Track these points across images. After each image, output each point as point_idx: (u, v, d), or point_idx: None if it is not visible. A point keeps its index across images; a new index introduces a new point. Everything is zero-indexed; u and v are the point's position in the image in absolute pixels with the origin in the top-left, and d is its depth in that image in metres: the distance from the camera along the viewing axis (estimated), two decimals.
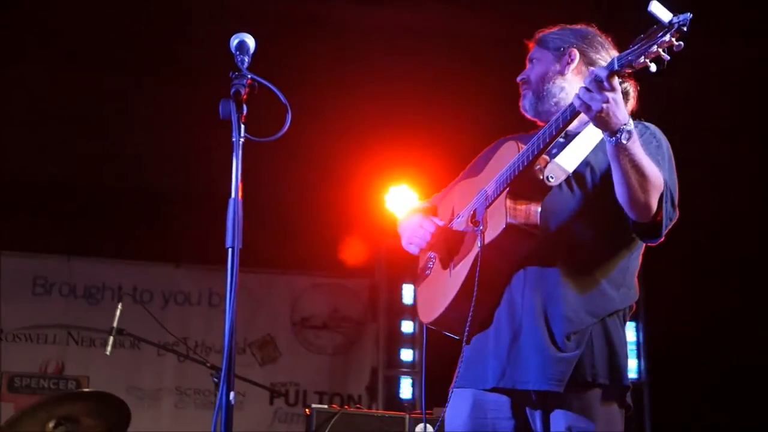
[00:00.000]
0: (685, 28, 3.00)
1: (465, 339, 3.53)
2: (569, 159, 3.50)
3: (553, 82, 3.72)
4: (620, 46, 3.57)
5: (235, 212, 3.20)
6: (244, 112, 3.22)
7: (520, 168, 3.41)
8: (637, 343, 9.34)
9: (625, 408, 3.49)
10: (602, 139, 3.41)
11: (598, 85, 3.12)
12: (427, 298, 3.89)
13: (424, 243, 3.82)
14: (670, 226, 3.46)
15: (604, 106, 3.11)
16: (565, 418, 3.38)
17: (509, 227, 3.40)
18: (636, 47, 3.09)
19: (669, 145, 3.60)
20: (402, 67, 7.81)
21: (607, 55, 3.69)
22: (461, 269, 3.60)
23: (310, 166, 8.73)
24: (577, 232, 3.52)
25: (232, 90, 3.19)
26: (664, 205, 3.36)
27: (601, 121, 3.17)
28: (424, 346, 3.92)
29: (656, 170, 3.32)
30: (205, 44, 6.84)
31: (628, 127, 3.19)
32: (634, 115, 3.64)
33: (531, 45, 3.82)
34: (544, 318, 3.45)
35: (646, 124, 3.64)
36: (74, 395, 6.65)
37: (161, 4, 7.26)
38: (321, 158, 8.61)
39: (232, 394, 3.06)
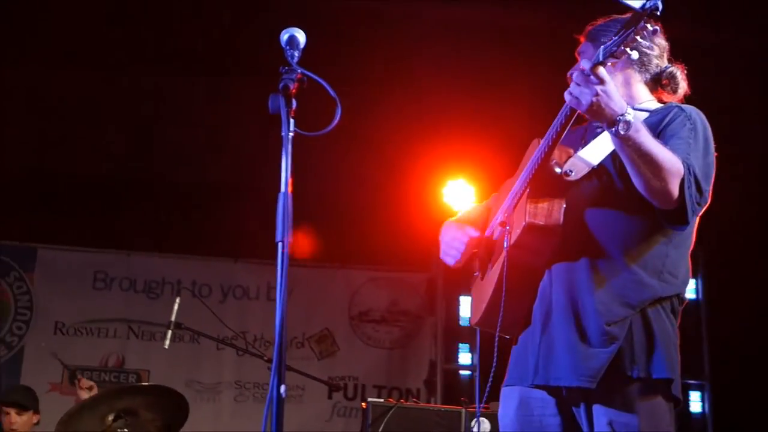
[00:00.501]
0: (657, 12, 2.97)
1: (496, 337, 3.51)
2: (594, 152, 3.49)
3: None
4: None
5: (284, 206, 3.16)
6: (294, 106, 3.19)
7: (535, 167, 3.41)
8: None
9: (673, 401, 3.42)
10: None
11: (586, 78, 3.10)
12: (474, 300, 3.90)
13: (458, 254, 3.82)
14: (700, 212, 3.43)
15: (594, 99, 3.09)
16: (606, 413, 3.34)
17: (528, 226, 3.39)
18: (616, 37, 3.07)
19: (707, 128, 3.52)
20: (461, 62, 7.80)
21: (653, 44, 3.61)
22: (495, 271, 3.59)
23: (369, 161, 8.73)
24: (603, 222, 3.47)
25: (281, 84, 3.18)
26: (686, 190, 3.28)
27: (594, 113, 3.15)
28: (477, 345, 3.92)
29: (670, 156, 3.25)
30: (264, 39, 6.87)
31: (625, 117, 3.13)
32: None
33: (581, 39, 3.77)
34: (574, 313, 3.41)
35: (683, 106, 3.57)
36: (134, 389, 6.68)
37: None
38: (380, 153, 8.61)
39: (282, 388, 3.03)
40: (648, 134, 3.22)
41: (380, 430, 6.01)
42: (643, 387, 3.35)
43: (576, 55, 3.76)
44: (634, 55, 3.10)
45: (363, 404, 6.47)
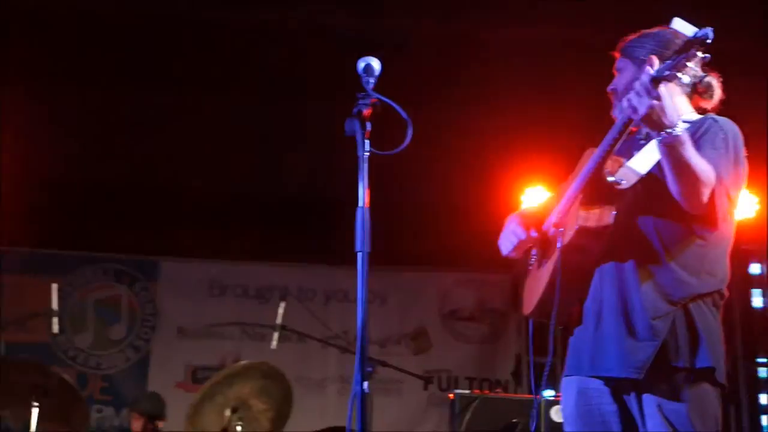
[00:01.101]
0: (708, 41, 3.01)
1: (551, 329, 3.54)
2: (642, 162, 3.48)
3: None
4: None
5: (362, 219, 3.24)
6: (368, 128, 3.28)
7: (589, 174, 3.43)
8: None
9: (719, 387, 3.42)
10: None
11: (645, 89, 3.12)
12: (527, 291, 3.89)
13: (511, 247, 3.82)
14: (731, 218, 3.52)
15: (650, 110, 3.11)
16: (655, 401, 3.35)
17: (580, 229, 3.42)
18: (671, 61, 3.09)
19: (738, 137, 3.53)
20: (538, 79, 7.78)
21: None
22: (548, 268, 3.62)
23: (456, 174, 8.74)
24: (649, 227, 3.49)
25: (355, 109, 3.27)
26: (717, 199, 3.31)
27: (649, 123, 3.17)
28: (530, 335, 3.94)
29: (706, 167, 3.27)
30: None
31: (675, 131, 3.16)
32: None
33: (616, 55, 3.77)
34: (623, 309, 3.43)
35: (716, 117, 3.57)
36: (243, 370, 6.72)
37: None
38: (466, 166, 8.62)
39: (365, 384, 3.10)
40: (691, 147, 3.24)
41: (466, 418, 6.06)
42: (688, 376, 3.37)
43: (614, 71, 3.77)
44: (685, 79, 3.16)
45: (450, 395, 6.53)
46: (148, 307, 9.79)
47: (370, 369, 6.61)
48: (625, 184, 3.44)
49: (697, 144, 3.39)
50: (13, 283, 9.58)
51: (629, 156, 3.52)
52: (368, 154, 3.28)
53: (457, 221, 9.01)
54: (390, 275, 9.81)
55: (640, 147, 3.54)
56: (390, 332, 9.66)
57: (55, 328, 7.03)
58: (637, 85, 3.17)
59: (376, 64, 3.41)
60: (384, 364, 7.26)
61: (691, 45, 3.03)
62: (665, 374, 3.37)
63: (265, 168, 9.00)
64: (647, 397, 3.39)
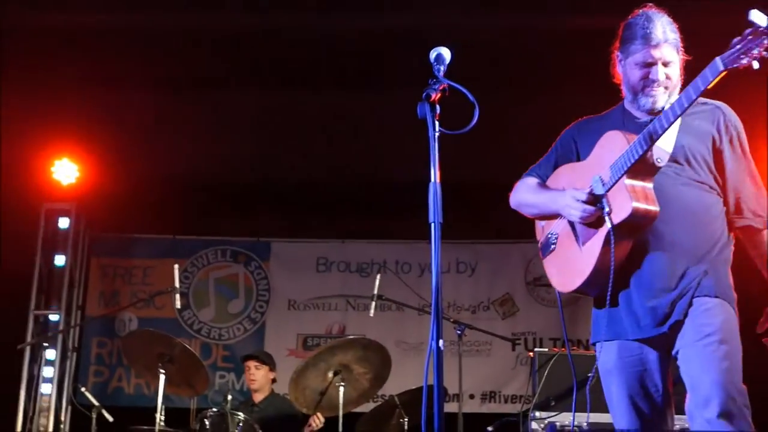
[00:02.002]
0: None
1: (609, 302, 3.44)
2: (666, 143, 3.44)
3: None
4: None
5: (434, 194, 3.19)
6: (438, 111, 3.22)
7: (638, 155, 3.34)
8: None
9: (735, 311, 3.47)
10: (685, 123, 3.41)
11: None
12: (560, 269, 3.75)
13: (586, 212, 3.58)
14: None
15: None
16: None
17: (635, 211, 3.34)
18: (738, 48, 3.02)
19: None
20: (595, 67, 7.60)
21: None
22: (593, 245, 3.49)
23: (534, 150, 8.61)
24: (682, 197, 3.47)
25: (424, 94, 3.22)
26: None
27: None
28: (560, 309, 3.85)
29: None
30: None
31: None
32: None
33: (662, 45, 3.61)
34: (667, 276, 3.43)
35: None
36: (344, 344, 6.74)
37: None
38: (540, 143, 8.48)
39: (441, 342, 3.06)
40: None
41: (545, 373, 5.98)
42: (718, 303, 3.39)
43: (658, 60, 3.64)
44: (756, 65, 3.05)
45: (530, 353, 6.46)
46: (262, 284, 9.87)
47: (459, 331, 6.64)
48: (661, 163, 3.42)
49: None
50: (144, 265, 9.80)
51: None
52: (438, 134, 3.22)
53: None
54: (478, 247, 9.79)
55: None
56: (479, 299, 9.61)
57: (178, 304, 7.13)
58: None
59: (446, 53, 3.37)
60: (472, 327, 7.23)
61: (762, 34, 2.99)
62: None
63: (362, 156, 8.98)
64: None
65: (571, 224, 3.64)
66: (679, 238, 3.45)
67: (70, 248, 9.45)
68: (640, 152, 3.34)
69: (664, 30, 3.59)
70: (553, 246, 3.77)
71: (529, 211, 3.94)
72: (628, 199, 3.35)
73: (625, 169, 3.37)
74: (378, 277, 7.23)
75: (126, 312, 9.64)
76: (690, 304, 3.39)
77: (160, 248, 9.88)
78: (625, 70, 3.68)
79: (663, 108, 3.55)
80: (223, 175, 9.06)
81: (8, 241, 8.90)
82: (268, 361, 7.61)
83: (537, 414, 5.95)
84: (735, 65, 3.04)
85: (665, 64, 3.59)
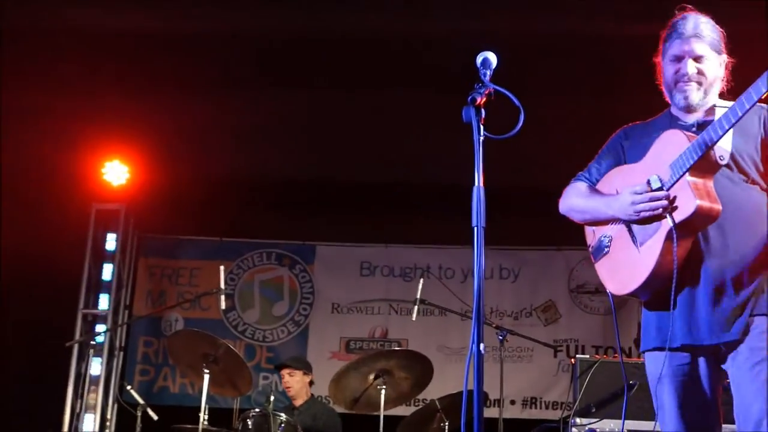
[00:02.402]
0: None
1: (672, 305, 3.32)
2: (725, 143, 3.34)
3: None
4: None
5: (478, 198, 3.14)
6: (482, 115, 3.17)
7: (701, 152, 3.25)
8: None
9: None
10: (737, 125, 3.24)
11: None
12: (615, 271, 3.63)
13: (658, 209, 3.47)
14: None
15: None
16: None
17: (699, 208, 3.24)
18: None
19: None
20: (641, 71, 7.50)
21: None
22: (653, 246, 3.39)
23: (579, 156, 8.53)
24: (735, 201, 3.34)
25: (470, 98, 3.16)
26: None
27: None
28: (614, 311, 3.74)
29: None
30: None
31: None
32: None
33: (692, 40, 3.55)
34: (721, 281, 3.32)
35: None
36: (389, 353, 6.81)
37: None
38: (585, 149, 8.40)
39: (482, 346, 3.01)
40: None
41: (587, 380, 5.91)
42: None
43: (686, 56, 3.59)
44: None
45: (572, 360, 6.40)
46: (306, 287, 9.88)
47: (501, 337, 6.58)
48: (723, 161, 3.34)
49: None
50: (191, 266, 9.85)
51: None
52: (483, 138, 3.16)
53: None
54: (522, 254, 9.73)
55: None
56: (522, 305, 9.54)
57: (223, 305, 7.14)
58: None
59: (492, 57, 3.31)
60: (514, 333, 7.16)
61: None
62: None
63: (407, 161, 8.97)
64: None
65: (628, 226, 3.54)
66: (735, 241, 3.35)
67: (118, 249, 9.53)
68: (702, 150, 3.26)
69: (696, 25, 3.53)
70: (606, 249, 3.66)
71: (580, 217, 3.81)
72: (691, 197, 3.26)
73: (688, 166, 3.29)
74: (421, 281, 7.18)
75: (172, 312, 9.68)
76: (747, 324, 3.28)
77: (207, 250, 9.92)
78: (663, 69, 3.63)
79: (697, 106, 3.52)
80: (270, 178, 9.07)
81: (59, 240, 9.00)
82: (300, 366, 7.55)
83: (577, 420, 5.89)
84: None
85: (696, 59, 3.52)
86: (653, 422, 3.58)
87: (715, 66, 3.55)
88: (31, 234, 8.70)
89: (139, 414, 6.91)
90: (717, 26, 3.59)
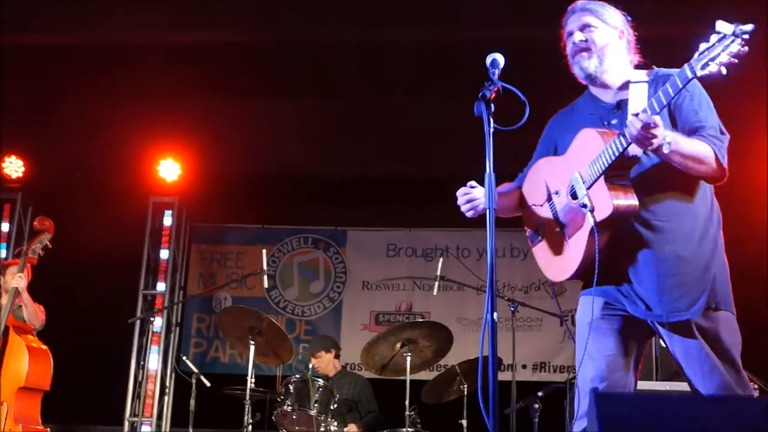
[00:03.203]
0: (747, 36, 2.77)
1: (594, 283, 3.18)
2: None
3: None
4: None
5: (490, 183, 3.12)
6: (492, 109, 3.15)
7: (614, 156, 3.14)
8: None
9: None
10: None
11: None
12: (548, 260, 3.55)
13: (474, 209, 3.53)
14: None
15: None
16: None
17: (616, 208, 3.14)
18: (706, 55, 2.83)
19: (701, 87, 3.27)
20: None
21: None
22: (579, 239, 3.28)
23: None
24: (654, 186, 3.24)
25: (480, 94, 3.15)
26: (718, 152, 3.14)
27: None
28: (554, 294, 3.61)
29: (699, 145, 3.11)
30: None
31: (668, 140, 2.99)
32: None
33: (577, 12, 3.48)
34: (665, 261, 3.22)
35: (666, 71, 3.31)
36: (413, 324, 6.78)
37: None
38: None
39: (495, 314, 3.01)
40: (683, 144, 3.07)
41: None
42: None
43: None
44: (724, 70, 2.84)
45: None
46: (339, 267, 9.87)
47: (513, 308, 6.55)
48: (636, 156, 3.22)
49: (681, 109, 3.24)
50: (237, 251, 9.88)
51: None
52: (493, 130, 3.14)
53: None
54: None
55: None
56: (531, 280, 9.46)
57: (266, 284, 7.14)
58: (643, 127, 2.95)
59: (500, 58, 3.27)
60: (524, 304, 7.14)
61: (732, 40, 2.81)
62: None
63: (427, 155, 8.95)
64: None
65: (555, 217, 3.45)
66: (668, 225, 3.24)
67: (173, 236, 9.59)
68: (617, 154, 3.13)
69: (584, 3, 3.46)
70: (540, 237, 3.60)
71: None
72: (608, 198, 3.15)
73: (604, 168, 3.17)
74: (441, 260, 7.17)
75: (221, 291, 9.72)
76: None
77: (251, 236, 9.94)
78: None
79: (595, 74, 3.39)
80: (306, 172, 9.11)
81: (121, 230, 9.06)
82: (323, 346, 7.41)
83: None
84: (704, 72, 2.85)
85: (582, 28, 3.41)
86: (652, 382, 3.54)
87: (606, 34, 3.40)
88: (97, 225, 8.76)
89: (194, 381, 6.96)
90: (613, 6, 3.48)
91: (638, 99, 3.21)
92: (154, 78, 7.68)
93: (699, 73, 2.87)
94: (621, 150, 3.12)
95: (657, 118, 2.96)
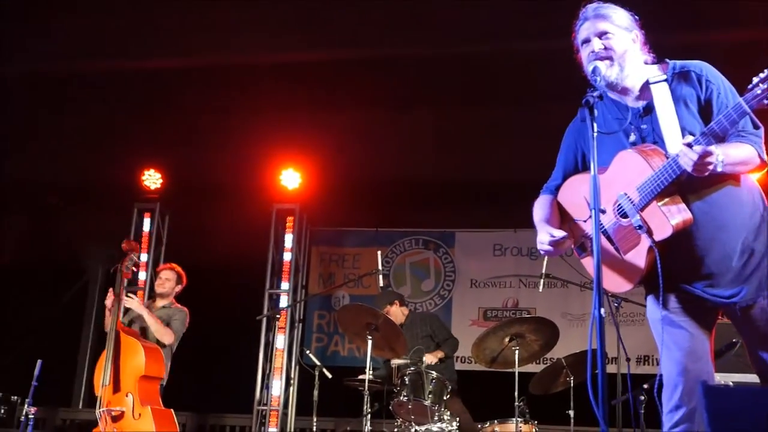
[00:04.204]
0: None
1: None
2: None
3: None
4: None
5: (594, 185, 3.04)
6: (596, 114, 3.07)
7: (666, 183, 3.03)
8: None
9: None
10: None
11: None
12: (604, 273, 3.26)
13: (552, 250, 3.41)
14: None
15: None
16: None
17: (675, 228, 3.03)
18: (762, 91, 2.77)
19: (721, 77, 3.15)
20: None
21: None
22: (637, 255, 3.19)
23: None
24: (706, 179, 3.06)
25: (583, 100, 3.06)
26: (758, 149, 3.06)
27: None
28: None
29: (743, 150, 3.02)
30: None
31: (720, 158, 2.91)
32: None
33: (590, 19, 3.32)
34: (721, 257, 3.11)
35: (699, 74, 3.16)
36: (521, 319, 6.70)
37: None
38: None
39: (602, 310, 2.94)
40: (730, 154, 2.97)
41: None
42: None
43: None
44: None
45: None
46: (448, 266, 9.86)
47: (617, 304, 6.38)
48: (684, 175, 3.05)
49: (711, 103, 3.12)
50: (353, 252, 9.98)
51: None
52: (597, 134, 3.06)
53: None
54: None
55: None
56: None
57: (381, 283, 7.17)
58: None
59: (602, 66, 3.24)
60: (627, 300, 6.95)
61: None
62: None
63: (531, 159, 8.81)
64: None
65: (605, 234, 3.30)
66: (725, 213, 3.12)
67: (295, 240, 9.72)
68: (670, 180, 3.02)
69: (596, 8, 3.28)
70: (587, 252, 3.49)
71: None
72: (665, 221, 3.04)
73: (656, 193, 3.07)
74: (545, 259, 7.02)
75: (340, 290, 9.83)
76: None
77: (366, 239, 10.03)
78: (582, 60, 3.34)
79: (617, 81, 3.23)
80: (416, 178, 9.13)
81: (248, 235, 9.27)
82: (387, 301, 7.38)
83: None
84: (757, 106, 2.80)
85: (601, 36, 3.24)
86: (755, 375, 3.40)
87: (623, 40, 3.24)
88: (226, 231, 9.00)
89: (316, 373, 7.03)
90: (622, 7, 3.31)
91: (663, 100, 3.13)
92: (276, 95, 7.84)
93: (753, 108, 2.84)
94: (675, 176, 3.02)
95: (712, 148, 2.89)
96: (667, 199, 3.08)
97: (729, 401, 2.64)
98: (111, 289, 6.24)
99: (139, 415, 5.85)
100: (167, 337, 6.28)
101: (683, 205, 3.07)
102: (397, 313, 7.33)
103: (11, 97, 8.24)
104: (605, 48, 3.24)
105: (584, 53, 3.30)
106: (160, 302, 6.59)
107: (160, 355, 6.16)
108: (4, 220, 10.60)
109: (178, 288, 6.65)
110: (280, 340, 9.32)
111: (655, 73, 3.23)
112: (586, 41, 3.28)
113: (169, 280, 6.62)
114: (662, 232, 3.08)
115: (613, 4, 3.35)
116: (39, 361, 6.05)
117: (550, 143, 8.40)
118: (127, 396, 5.88)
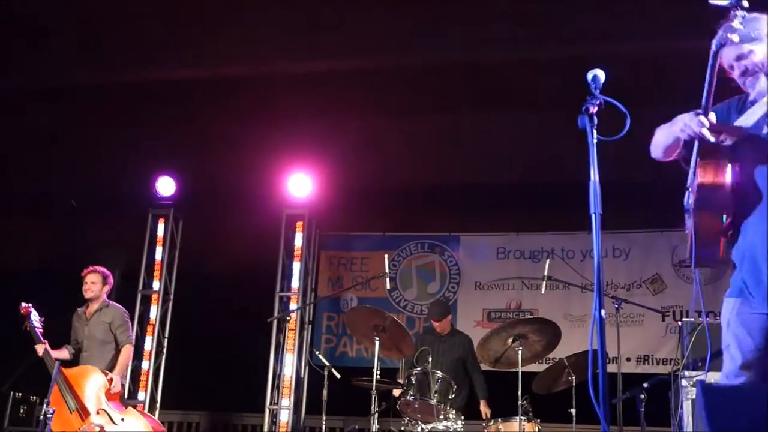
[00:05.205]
0: (745, 2, 2.72)
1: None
2: (746, 121, 3.16)
3: None
4: None
5: (594, 190, 3.04)
6: (595, 122, 3.07)
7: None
8: None
9: None
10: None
11: None
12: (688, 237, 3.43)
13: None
14: None
15: None
16: None
17: (700, 186, 3.09)
18: (722, 30, 2.88)
19: None
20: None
21: None
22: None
23: None
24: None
25: (583, 107, 3.07)
26: None
27: None
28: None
29: None
30: None
31: None
32: None
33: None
34: None
35: None
36: (523, 321, 6.68)
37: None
38: None
39: (603, 312, 2.92)
40: None
41: (693, 339, 5.65)
42: None
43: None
44: (735, 38, 2.91)
45: (677, 322, 6.12)
46: (453, 269, 9.82)
47: (617, 305, 6.36)
48: (728, 141, 3.14)
49: None
50: (361, 256, 9.96)
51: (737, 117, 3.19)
52: (597, 141, 3.06)
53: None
54: (631, 236, 9.39)
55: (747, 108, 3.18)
56: (633, 278, 9.20)
57: (388, 286, 7.15)
58: None
59: (601, 74, 3.20)
60: (627, 301, 6.94)
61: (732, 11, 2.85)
62: None
63: (532, 165, 8.84)
64: None
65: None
66: None
67: (304, 244, 9.71)
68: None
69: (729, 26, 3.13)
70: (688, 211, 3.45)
71: (656, 153, 3.48)
72: (695, 178, 3.13)
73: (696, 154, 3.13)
74: (547, 262, 7.05)
75: (348, 293, 9.81)
76: None
77: (373, 243, 10.01)
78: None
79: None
80: (421, 184, 9.12)
81: (259, 239, 9.26)
82: (447, 311, 7.49)
83: (686, 373, 5.64)
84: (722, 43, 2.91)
85: (738, 59, 3.26)
86: None
87: (763, 51, 3.21)
88: (238, 236, 8.99)
89: (325, 373, 7.01)
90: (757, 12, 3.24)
91: None
92: (286, 104, 7.84)
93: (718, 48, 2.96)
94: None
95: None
96: (708, 155, 3.14)
97: (728, 400, 2.61)
98: (35, 346, 6.30)
99: (122, 419, 6.00)
100: (127, 333, 6.57)
101: (725, 164, 3.12)
102: (446, 324, 7.38)
103: (33, 108, 8.26)
104: (746, 69, 3.25)
105: (736, 71, 3.29)
106: (93, 306, 6.66)
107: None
108: (24, 227, 10.62)
109: (106, 288, 6.76)
110: (290, 341, 9.30)
111: None
112: (731, 67, 3.27)
113: (95, 283, 6.70)
114: (694, 193, 3.16)
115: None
116: (57, 363, 6.06)
117: (552, 149, 8.43)
118: (98, 413, 5.97)
